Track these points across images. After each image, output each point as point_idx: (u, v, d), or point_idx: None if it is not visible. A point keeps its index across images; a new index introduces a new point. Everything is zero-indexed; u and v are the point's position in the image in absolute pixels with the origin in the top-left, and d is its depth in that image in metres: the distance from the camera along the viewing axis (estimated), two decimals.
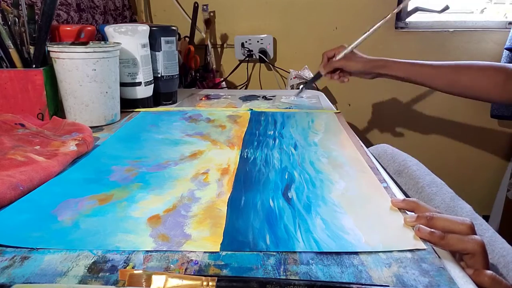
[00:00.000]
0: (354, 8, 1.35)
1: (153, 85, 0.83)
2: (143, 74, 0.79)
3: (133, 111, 0.80)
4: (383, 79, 0.94)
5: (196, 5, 1.24)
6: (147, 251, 0.33)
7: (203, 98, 0.95)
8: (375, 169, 0.52)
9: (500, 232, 0.54)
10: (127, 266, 0.31)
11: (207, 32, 1.32)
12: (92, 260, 0.32)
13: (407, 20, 1.39)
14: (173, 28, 0.85)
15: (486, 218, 1.42)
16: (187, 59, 1.17)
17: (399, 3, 1.36)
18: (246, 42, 1.36)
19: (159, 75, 0.84)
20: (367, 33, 0.82)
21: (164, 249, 0.34)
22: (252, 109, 0.82)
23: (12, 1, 0.67)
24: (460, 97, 1.45)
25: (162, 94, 0.86)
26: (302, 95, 0.95)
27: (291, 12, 1.36)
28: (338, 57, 0.83)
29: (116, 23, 0.89)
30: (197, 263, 0.32)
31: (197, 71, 1.26)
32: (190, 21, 1.25)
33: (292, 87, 1.25)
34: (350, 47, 0.83)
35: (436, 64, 0.83)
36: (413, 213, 0.40)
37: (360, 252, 0.34)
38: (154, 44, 0.82)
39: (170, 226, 0.37)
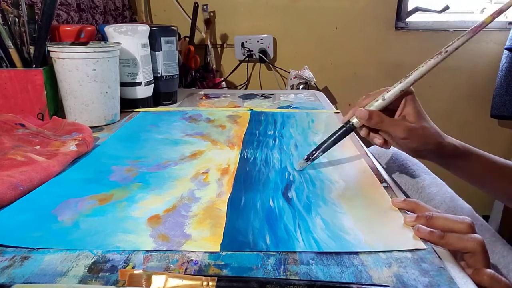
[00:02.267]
0: (354, 8, 1.36)
1: (153, 85, 0.83)
2: (143, 74, 0.79)
3: (133, 111, 0.80)
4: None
5: (196, 5, 1.24)
6: (147, 251, 0.33)
7: (203, 97, 0.95)
8: (375, 169, 0.52)
9: (500, 232, 0.54)
10: (127, 266, 0.31)
11: (207, 32, 1.32)
12: (92, 260, 0.32)
13: (407, 20, 1.39)
14: (173, 28, 0.85)
15: (486, 218, 1.42)
16: (187, 59, 1.17)
17: (399, 4, 1.36)
18: (246, 42, 1.36)
19: (159, 75, 0.84)
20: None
21: (164, 249, 0.34)
22: (252, 109, 0.82)
23: (12, 1, 0.67)
24: (460, 97, 1.46)
25: (162, 94, 0.86)
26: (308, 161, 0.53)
27: (291, 12, 1.36)
28: (378, 102, 0.49)
29: (116, 23, 0.89)
30: (197, 263, 0.32)
31: (197, 71, 1.26)
32: (190, 21, 1.25)
33: (292, 87, 1.25)
34: (421, 71, 0.50)
35: None
36: (412, 213, 0.40)
37: (360, 252, 0.33)
38: (154, 44, 0.82)
39: (170, 226, 0.37)
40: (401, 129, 0.47)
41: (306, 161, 0.51)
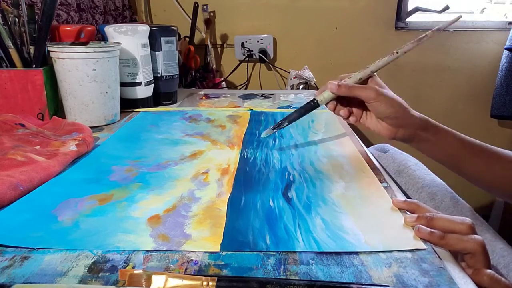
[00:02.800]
0: (354, 8, 1.35)
1: (153, 85, 0.83)
2: (143, 74, 0.79)
3: (133, 111, 0.80)
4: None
5: (196, 5, 1.24)
6: (147, 251, 0.33)
7: (203, 97, 0.95)
8: (375, 169, 0.52)
9: (500, 233, 0.54)
10: (127, 266, 0.31)
11: (207, 32, 1.32)
12: (92, 260, 0.32)
13: (407, 20, 1.39)
14: (173, 28, 0.85)
15: (486, 218, 1.42)
16: (187, 59, 1.17)
17: (399, 4, 1.36)
18: (246, 42, 1.36)
19: (159, 75, 0.84)
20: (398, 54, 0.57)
21: (164, 249, 0.34)
22: (252, 109, 0.82)
23: (12, 1, 0.67)
24: (460, 97, 1.46)
25: (162, 94, 0.86)
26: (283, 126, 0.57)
27: (291, 12, 1.36)
28: (366, 70, 0.55)
29: (116, 23, 0.89)
30: (197, 263, 0.32)
31: (197, 71, 1.26)
32: (190, 21, 1.25)
33: (292, 87, 1.25)
34: (390, 57, 0.56)
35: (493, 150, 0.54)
36: (413, 214, 0.40)
37: (360, 252, 0.34)
38: (154, 44, 0.82)
39: (170, 226, 0.37)
40: (372, 91, 0.52)
41: (273, 130, 0.56)
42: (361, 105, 0.54)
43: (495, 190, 0.55)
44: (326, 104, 0.56)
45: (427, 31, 0.54)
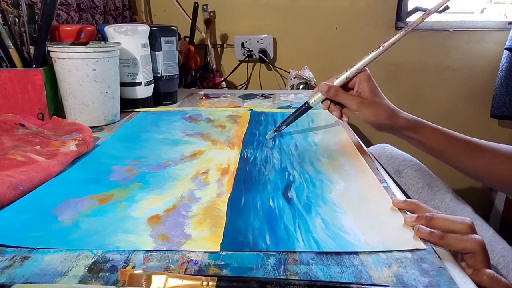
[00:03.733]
0: (354, 8, 1.35)
1: (153, 85, 0.83)
2: (143, 74, 0.79)
3: (133, 111, 0.80)
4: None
5: (196, 5, 1.24)
6: (147, 251, 0.33)
7: (203, 97, 0.95)
8: (375, 169, 0.52)
9: (500, 233, 0.54)
10: (127, 266, 0.31)
11: (207, 32, 1.32)
12: (92, 260, 0.32)
13: (407, 20, 1.39)
14: (173, 28, 0.85)
15: (486, 218, 1.42)
16: (187, 59, 1.17)
17: (399, 4, 1.36)
18: (246, 42, 1.36)
19: (159, 75, 0.84)
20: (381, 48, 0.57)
21: (164, 249, 0.34)
22: (252, 109, 0.82)
23: (12, 1, 0.67)
24: (460, 97, 1.46)
25: (162, 94, 0.86)
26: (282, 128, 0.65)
27: (291, 12, 1.36)
28: (352, 69, 0.57)
29: (116, 23, 0.89)
30: (197, 263, 0.32)
31: (197, 71, 1.26)
32: (190, 21, 1.25)
33: (292, 87, 1.25)
34: (376, 52, 0.56)
35: (479, 143, 0.56)
36: (413, 214, 0.40)
37: (360, 252, 0.34)
38: (154, 44, 0.82)
39: (170, 226, 0.37)
40: (354, 102, 0.56)
41: (274, 132, 0.64)
42: None
43: (481, 179, 0.58)
44: (322, 102, 0.60)
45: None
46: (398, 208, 0.41)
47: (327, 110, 0.60)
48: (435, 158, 0.59)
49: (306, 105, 0.61)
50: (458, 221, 0.36)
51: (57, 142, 0.55)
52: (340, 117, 0.59)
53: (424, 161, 0.68)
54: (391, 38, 0.55)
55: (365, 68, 0.57)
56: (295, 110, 0.63)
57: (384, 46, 0.56)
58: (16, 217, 0.38)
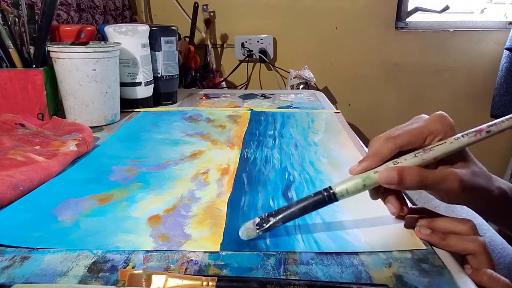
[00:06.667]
0: (354, 8, 1.36)
1: (153, 85, 0.83)
2: (143, 74, 0.79)
3: (133, 111, 0.80)
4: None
5: (196, 5, 1.24)
6: (147, 251, 0.33)
7: (203, 97, 0.95)
8: None
9: (500, 233, 0.54)
10: (127, 266, 0.31)
11: (207, 32, 1.32)
12: (92, 260, 0.32)
13: (407, 20, 1.39)
14: (173, 28, 0.85)
15: None
16: (187, 59, 1.17)
17: (399, 4, 1.36)
18: (246, 42, 1.36)
19: (159, 75, 0.84)
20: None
21: (164, 249, 0.34)
22: (252, 109, 0.82)
23: (12, 1, 0.67)
24: (460, 97, 1.46)
25: (162, 94, 0.86)
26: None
27: (291, 12, 1.36)
28: (440, 148, 0.34)
29: (116, 23, 0.89)
30: (197, 263, 0.32)
31: (197, 71, 1.26)
32: (190, 21, 1.25)
33: (292, 87, 1.25)
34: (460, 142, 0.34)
35: None
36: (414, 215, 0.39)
37: (360, 252, 0.33)
38: (154, 44, 0.82)
39: (170, 226, 0.37)
40: (453, 182, 0.33)
41: (257, 229, 0.34)
42: None
43: None
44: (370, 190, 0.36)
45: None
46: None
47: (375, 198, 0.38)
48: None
49: (329, 193, 0.34)
50: (459, 222, 0.36)
51: (57, 142, 0.55)
52: (400, 211, 0.36)
53: None
54: (497, 123, 0.35)
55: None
56: (304, 198, 0.35)
57: (489, 133, 0.35)
58: (16, 217, 0.38)
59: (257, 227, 0.34)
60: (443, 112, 0.36)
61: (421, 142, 0.35)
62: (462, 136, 0.34)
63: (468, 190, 0.34)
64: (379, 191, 0.36)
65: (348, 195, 0.35)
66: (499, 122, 0.35)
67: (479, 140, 0.34)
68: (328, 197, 0.34)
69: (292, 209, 0.35)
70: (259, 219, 0.35)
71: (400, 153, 0.35)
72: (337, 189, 0.34)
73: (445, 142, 0.34)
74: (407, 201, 0.41)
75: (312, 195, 0.35)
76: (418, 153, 0.34)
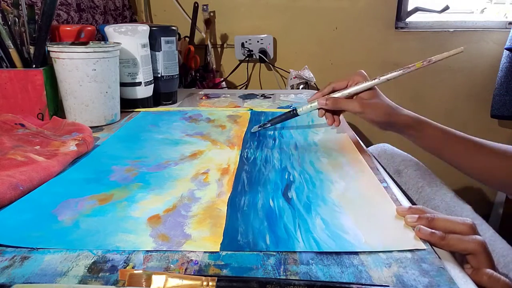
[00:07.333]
0: (354, 8, 1.35)
1: (153, 85, 0.83)
2: (143, 74, 0.79)
3: (133, 111, 0.80)
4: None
5: (196, 5, 1.24)
6: (147, 251, 0.33)
7: (203, 97, 0.95)
8: (375, 169, 0.52)
9: (500, 233, 0.53)
10: (127, 266, 0.31)
11: (207, 32, 1.32)
12: (92, 260, 0.32)
13: (407, 20, 1.39)
14: (173, 28, 0.85)
15: (486, 218, 1.42)
16: (187, 59, 1.17)
17: (399, 4, 1.36)
18: (246, 42, 1.36)
19: (159, 75, 0.84)
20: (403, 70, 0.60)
21: (164, 249, 0.34)
22: (252, 109, 0.82)
23: (12, 1, 0.67)
24: (460, 97, 1.46)
25: (162, 94, 0.86)
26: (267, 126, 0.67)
27: (291, 12, 1.36)
28: (352, 89, 0.60)
29: (116, 23, 0.89)
30: (197, 263, 0.32)
31: (197, 71, 1.26)
32: (190, 21, 1.25)
33: (292, 87, 1.25)
34: (374, 81, 0.60)
35: (480, 143, 0.58)
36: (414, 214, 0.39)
37: (360, 252, 0.34)
38: (154, 44, 0.82)
39: (170, 226, 0.37)
40: (357, 105, 0.59)
41: (258, 128, 0.67)
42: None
43: (480, 179, 0.59)
44: (318, 109, 0.63)
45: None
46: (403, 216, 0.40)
47: (321, 117, 0.64)
48: (435, 156, 0.61)
49: (294, 111, 0.65)
50: (459, 222, 0.36)
51: (57, 142, 0.55)
52: (332, 123, 0.63)
53: (424, 161, 0.68)
54: (389, 73, 0.59)
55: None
56: (283, 113, 0.66)
57: (379, 79, 0.59)
58: (16, 217, 0.38)
59: (259, 127, 0.67)
60: (362, 70, 0.62)
61: (345, 85, 0.62)
62: (365, 82, 0.59)
63: (367, 106, 0.58)
64: (322, 111, 0.63)
65: (303, 112, 0.64)
66: (391, 73, 0.60)
67: (374, 85, 0.59)
68: (293, 112, 0.65)
69: (276, 119, 0.66)
70: (259, 125, 0.67)
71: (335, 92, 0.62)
72: (298, 109, 0.64)
73: (355, 85, 0.60)
74: (402, 194, 0.43)
75: (286, 112, 0.66)
76: (340, 91, 0.61)
